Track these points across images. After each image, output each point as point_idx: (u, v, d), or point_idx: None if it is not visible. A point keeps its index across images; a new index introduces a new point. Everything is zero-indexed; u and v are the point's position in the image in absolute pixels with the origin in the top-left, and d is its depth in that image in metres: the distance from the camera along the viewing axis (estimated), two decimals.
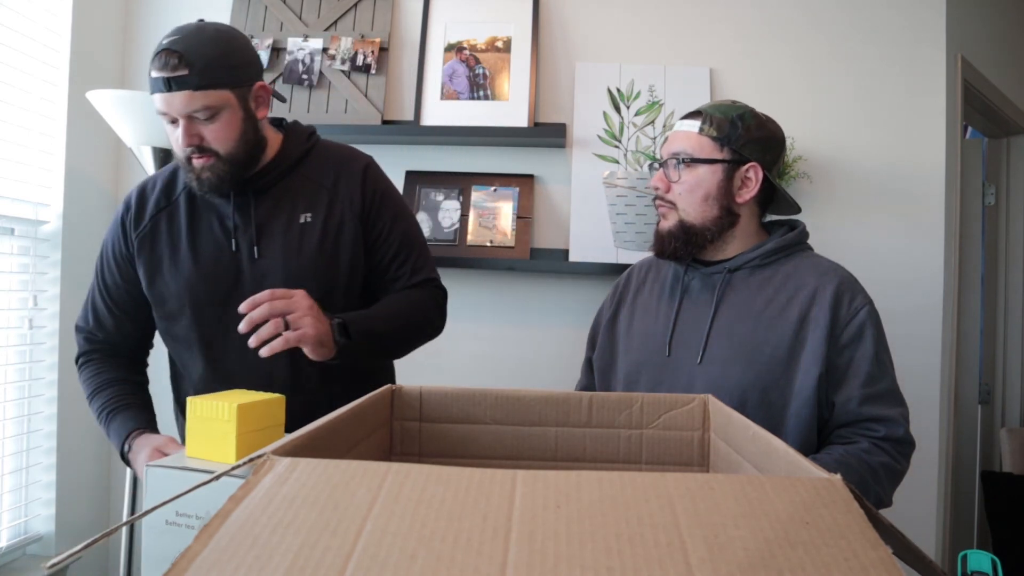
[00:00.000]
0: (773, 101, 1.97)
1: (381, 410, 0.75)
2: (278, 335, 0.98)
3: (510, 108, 1.97)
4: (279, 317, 0.99)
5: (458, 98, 2.00)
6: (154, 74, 1.02)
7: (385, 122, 2.00)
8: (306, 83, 2.02)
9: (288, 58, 2.03)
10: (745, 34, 1.99)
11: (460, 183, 2.02)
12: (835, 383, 1.07)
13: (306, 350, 1.02)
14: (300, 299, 1.02)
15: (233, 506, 0.38)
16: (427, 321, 1.28)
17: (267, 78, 2.03)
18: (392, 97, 2.05)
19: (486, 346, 2.02)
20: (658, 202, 1.18)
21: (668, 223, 1.16)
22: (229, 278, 1.15)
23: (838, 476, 0.41)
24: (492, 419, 0.76)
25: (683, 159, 1.14)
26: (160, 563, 0.69)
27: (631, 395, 0.77)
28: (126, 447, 1.11)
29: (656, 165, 1.21)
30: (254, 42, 2.06)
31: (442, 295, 1.32)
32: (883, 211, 1.93)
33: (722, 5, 2.00)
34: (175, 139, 1.07)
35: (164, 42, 1.02)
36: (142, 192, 1.21)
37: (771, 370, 1.07)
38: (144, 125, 1.64)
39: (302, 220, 1.17)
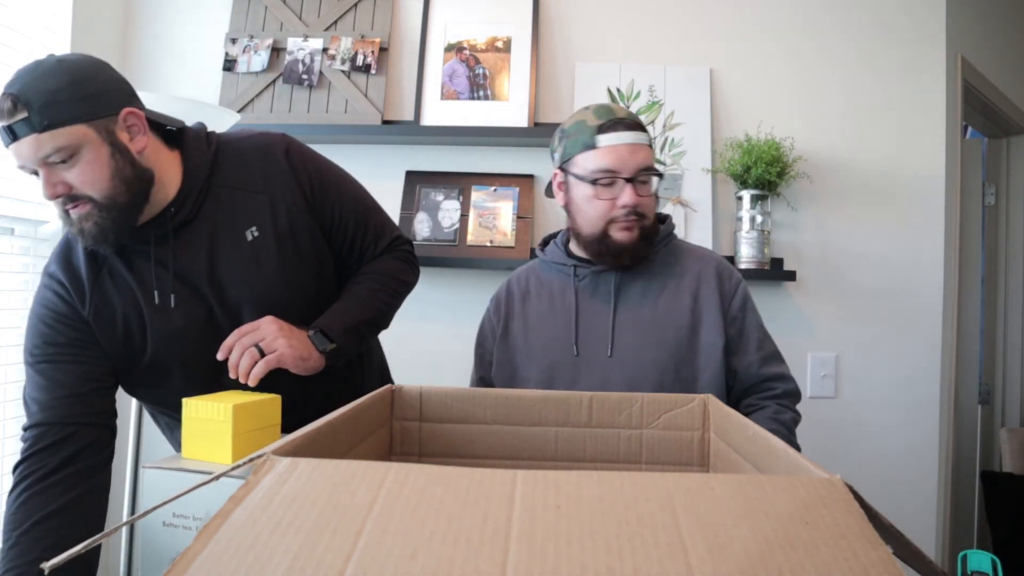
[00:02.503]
0: (773, 101, 1.97)
1: (381, 410, 0.75)
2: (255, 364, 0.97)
3: (510, 108, 1.97)
4: (251, 347, 0.97)
5: (458, 98, 2.00)
6: None
7: (385, 122, 2.00)
8: (306, 83, 2.02)
9: (288, 58, 2.03)
10: (745, 34, 1.99)
11: (460, 183, 2.02)
12: (733, 351, 1.20)
13: (290, 368, 1.00)
14: (266, 325, 1.00)
15: (233, 506, 0.38)
16: (403, 283, 1.21)
17: (267, 78, 2.03)
18: (392, 97, 2.05)
19: None
20: (632, 219, 1.16)
21: (634, 235, 1.18)
22: (202, 323, 1.05)
23: (838, 476, 0.41)
24: (492, 419, 0.76)
25: (655, 173, 1.19)
26: (158, 565, 0.69)
27: (631, 395, 0.77)
28: None
29: (604, 179, 1.16)
30: (254, 42, 2.06)
31: (410, 248, 1.25)
32: (883, 211, 1.94)
33: (722, 5, 2.00)
34: (43, 190, 0.92)
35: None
36: (65, 261, 1.03)
37: (679, 348, 1.18)
38: None
39: (250, 237, 1.05)
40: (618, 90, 1.99)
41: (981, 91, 2.27)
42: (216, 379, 1.05)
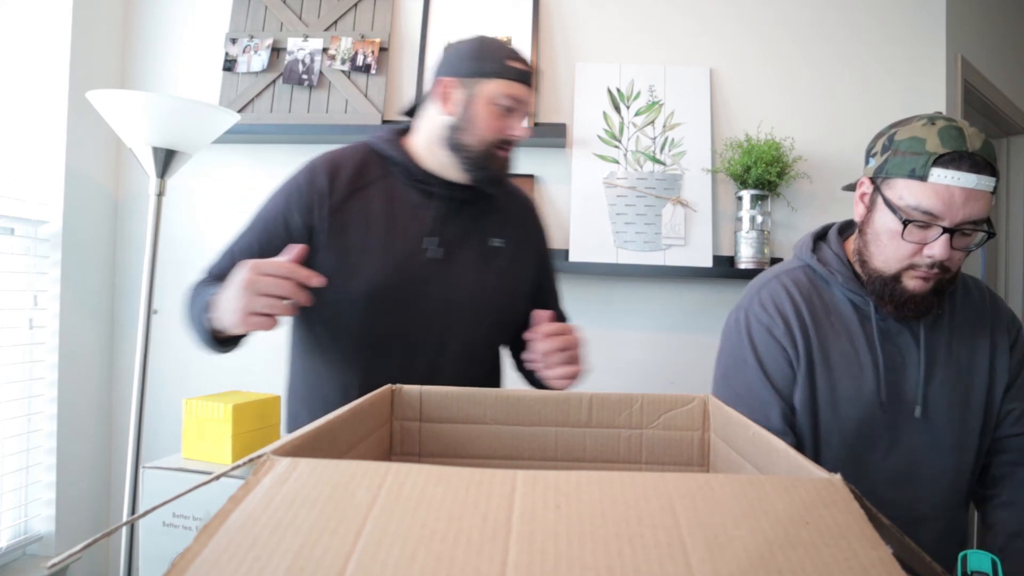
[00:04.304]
0: (773, 101, 1.97)
1: (381, 410, 0.75)
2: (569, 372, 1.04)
3: None
4: (575, 353, 1.03)
5: None
6: (515, 64, 1.11)
7: (385, 122, 2.00)
8: (306, 83, 2.02)
9: (288, 58, 2.03)
10: (745, 34, 1.99)
11: None
12: (1011, 393, 1.10)
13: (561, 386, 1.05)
14: (578, 334, 1.06)
15: (233, 506, 0.37)
16: None
17: (267, 78, 2.03)
18: (392, 97, 2.05)
19: None
20: (934, 271, 0.99)
21: (927, 286, 1.01)
22: (418, 278, 1.12)
23: (838, 476, 0.41)
24: (492, 419, 0.76)
25: (985, 229, 0.98)
26: (158, 564, 0.69)
27: (631, 395, 0.77)
28: (208, 315, 0.96)
29: (919, 221, 0.96)
30: (254, 42, 2.06)
31: None
32: None
33: (722, 5, 2.00)
34: (501, 125, 1.11)
35: (487, 39, 1.13)
36: (332, 164, 1.15)
37: (980, 408, 1.08)
38: (144, 125, 1.64)
39: (492, 244, 1.19)
40: (618, 90, 1.99)
41: (981, 91, 2.27)
42: (389, 331, 1.12)
